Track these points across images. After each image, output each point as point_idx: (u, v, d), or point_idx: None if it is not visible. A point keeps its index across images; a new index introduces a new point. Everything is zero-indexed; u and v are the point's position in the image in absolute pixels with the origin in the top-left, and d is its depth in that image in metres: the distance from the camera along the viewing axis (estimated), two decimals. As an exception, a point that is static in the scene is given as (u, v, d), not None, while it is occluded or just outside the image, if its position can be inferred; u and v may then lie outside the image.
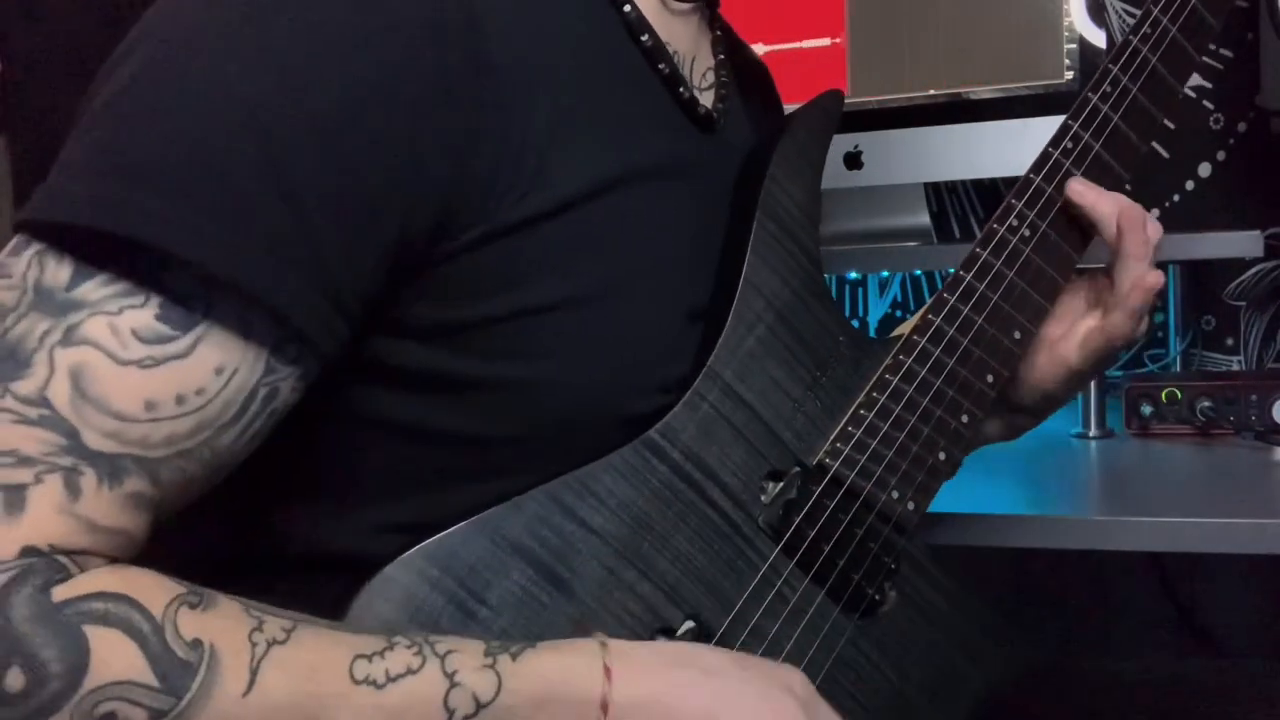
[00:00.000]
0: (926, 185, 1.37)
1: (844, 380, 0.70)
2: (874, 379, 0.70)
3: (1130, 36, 0.76)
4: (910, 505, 0.70)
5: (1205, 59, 1.42)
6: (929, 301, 0.73)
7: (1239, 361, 1.46)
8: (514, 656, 0.53)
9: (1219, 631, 1.46)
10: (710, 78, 0.74)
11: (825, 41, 1.35)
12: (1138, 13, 0.78)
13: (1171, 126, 1.42)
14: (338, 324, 0.53)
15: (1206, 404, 1.18)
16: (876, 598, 0.69)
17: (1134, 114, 0.76)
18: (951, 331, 0.72)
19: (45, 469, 0.47)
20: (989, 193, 1.52)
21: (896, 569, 0.70)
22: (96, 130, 0.51)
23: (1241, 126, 1.41)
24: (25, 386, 0.47)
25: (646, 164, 0.64)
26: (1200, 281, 1.45)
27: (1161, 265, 1.45)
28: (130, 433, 0.48)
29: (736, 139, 0.75)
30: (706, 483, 0.64)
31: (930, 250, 1.32)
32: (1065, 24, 1.26)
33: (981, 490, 1.00)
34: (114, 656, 0.45)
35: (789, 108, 0.77)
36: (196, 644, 0.47)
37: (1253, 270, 1.44)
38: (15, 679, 0.44)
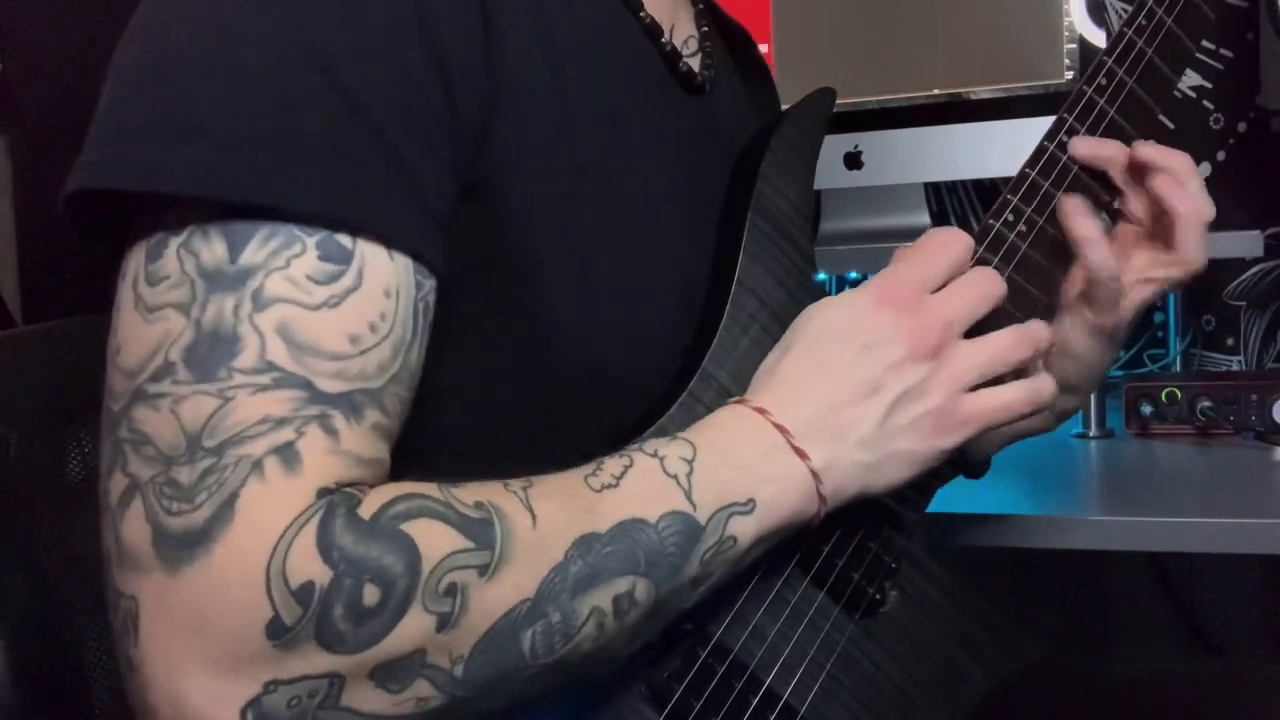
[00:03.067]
0: (926, 185, 1.37)
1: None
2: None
3: (1125, 28, 0.76)
4: (910, 505, 0.70)
5: (1205, 59, 1.42)
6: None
7: (1239, 361, 1.46)
8: (683, 430, 0.61)
9: (1219, 631, 1.46)
10: (693, 45, 0.74)
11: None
12: (1131, 9, 0.78)
13: (1171, 126, 1.42)
14: (442, 239, 0.55)
15: (1206, 404, 1.17)
16: (877, 597, 0.69)
17: (1130, 106, 0.76)
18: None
19: (300, 422, 0.49)
20: (989, 193, 1.52)
21: (897, 568, 0.70)
22: (163, 88, 0.52)
23: (1241, 126, 1.41)
24: (246, 359, 0.49)
25: (636, 117, 0.65)
26: (1200, 281, 1.45)
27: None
28: (350, 369, 0.51)
29: (725, 105, 0.76)
30: (705, 482, 0.64)
31: (930, 250, 1.32)
32: (1065, 24, 1.26)
33: (981, 490, 1.00)
34: (435, 539, 0.50)
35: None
36: (479, 505, 0.52)
37: (1253, 270, 1.44)
38: (370, 594, 0.48)
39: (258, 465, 0.48)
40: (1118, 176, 0.75)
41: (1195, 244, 0.74)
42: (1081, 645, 1.51)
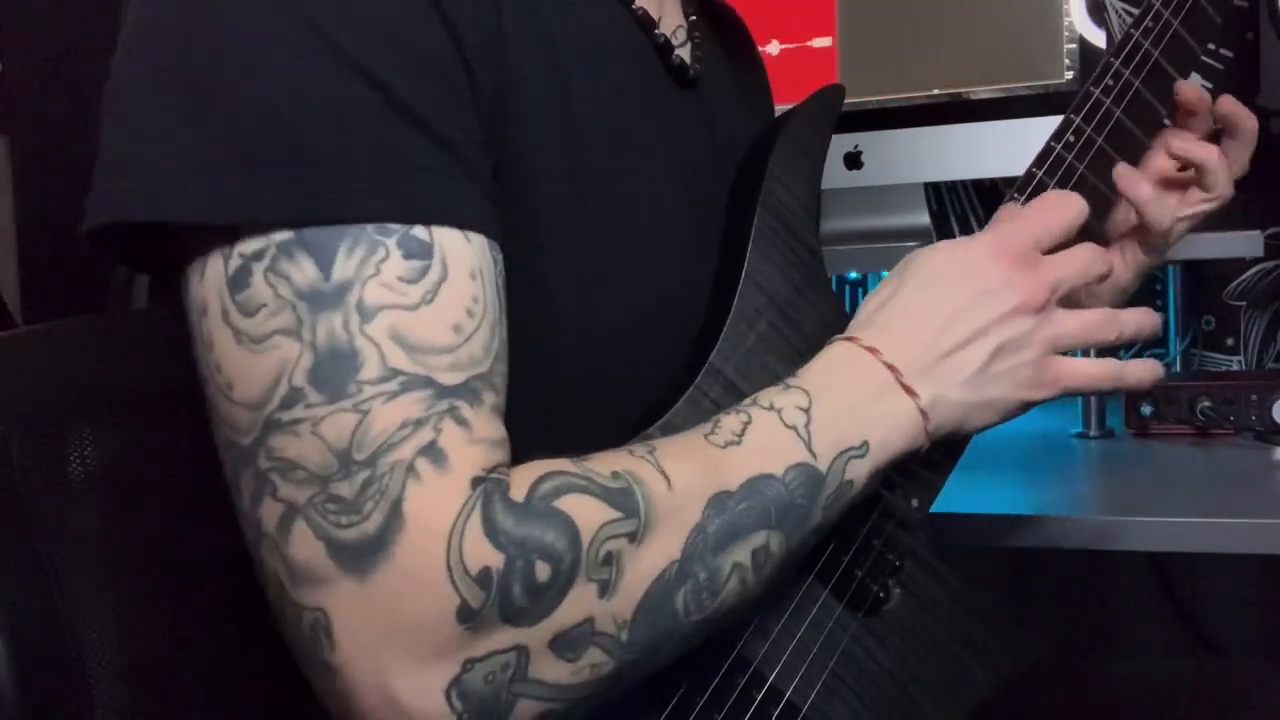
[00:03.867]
0: (926, 185, 1.37)
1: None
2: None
3: (1132, 30, 0.76)
4: (914, 502, 0.70)
5: (1205, 59, 1.42)
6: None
7: (1239, 361, 1.46)
8: (795, 375, 0.64)
9: (1219, 631, 1.46)
10: (681, 35, 0.74)
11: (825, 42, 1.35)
12: (1138, 11, 0.78)
13: (1169, 124, 1.42)
14: (496, 216, 0.56)
15: (1206, 404, 1.17)
16: (881, 595, 0.69)
17: (1136, 107, 0.76)
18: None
19: (436, 419, 0.51)
20: (989, 193, 1.52)
21: (901, 566, 0.70)
22: (200, 112, 0.51)
23: (1241, 126, 1.41)
24: (369, 371, 0.50)
25: (633, 109, 0.66)
26: (1200, 281, 1.45)
27: (1161, 265, 1.45)
28: (462, 358, 0.52)
29: (717, 97, 0.76)
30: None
31: (930, 250, 1.32)
32: (1065, 24, 1.26)
33: (981, 490, 1.00)
34: (587, 512, 0.53)
35: (781, 108, 0.77)
36: (616, 475, 0.54)
37: (1253, 270, 1.44)
38: (542, 570, 0.51)
39: (411, 468, 0.50)
40: (1186, 117, 0.83)
41: (1227, 184, 0.83)
42: (1081, 645, 1.51)
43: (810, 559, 0.67)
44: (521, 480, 0.52)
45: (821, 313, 0.70)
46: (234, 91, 0.51)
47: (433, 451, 0.50)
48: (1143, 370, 0.71)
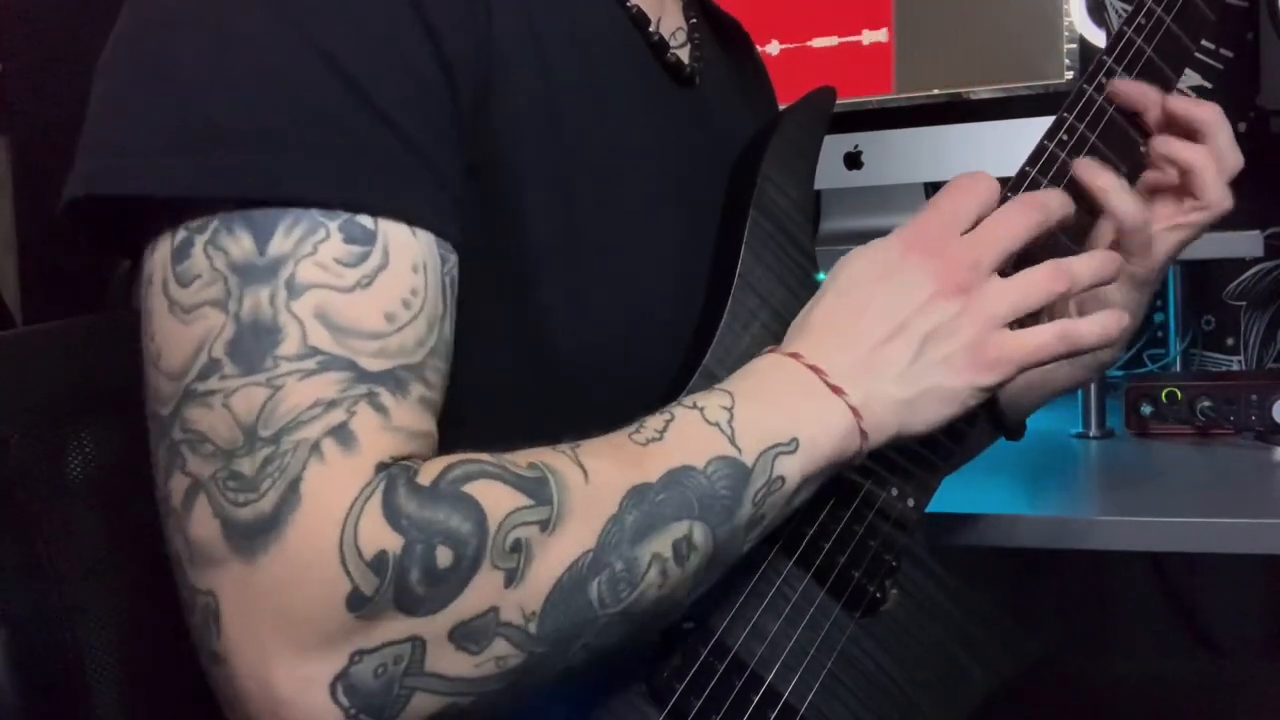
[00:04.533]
0: (926, 185, 1.37)
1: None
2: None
3: (1124, 27, 0.76)
4: (910, 502, 0.70)
5: (1205, 59, 1.42)
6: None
7: (1239, 361, 1.46)
8: (724, 383, 0.62)
9: (1218, 631, 1.46)
10: (681, 36, 0.74)
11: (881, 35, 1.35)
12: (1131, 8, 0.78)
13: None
14: (457, 216, 0.56)
15: (1206, 404, 1.17)
16: (878, 595, 0.69)
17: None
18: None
19: (351, 402, 0.50)
20: (989, 193, 1.52)
21: (898, 566, 0.70)
22: (165, 90, 0.52)
23: (1241, 126, 1.41)
24: (289, 347, 0.49)
25: (625, 108, 0.66)
26: (1200, 281, 1.45)
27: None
28: (390, 346, 0.51)
29: (715, 97, 0.76)
30: (705, 481, 0.64)
31: (930, 250, 1.32)
32: (1065, 24, 1.26)
33: (981, 490, 1.00)
34: (497, 498, 0.51)
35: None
36: (533, 465, 0.53)
37: (1253, 270, 1.44)
38: (444, 555, 0.49)
39: (316, 448, 0.49)
40: (1152, 121, 0.77)
41: (1217, 190, 0.78)
42: (1081, 645, 1.51)
43: (806, 559, 0.67)
44: (432, 467, 0.51)
45: (816, 314, 0.70)
46: (197, 70, 0.52)
47: (342, 433, 0.49)
48: (1103, 323, 0.67)
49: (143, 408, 0.53)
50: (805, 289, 0.69)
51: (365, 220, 0.52)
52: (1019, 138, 1.25)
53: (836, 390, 0.62)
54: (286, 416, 0.49)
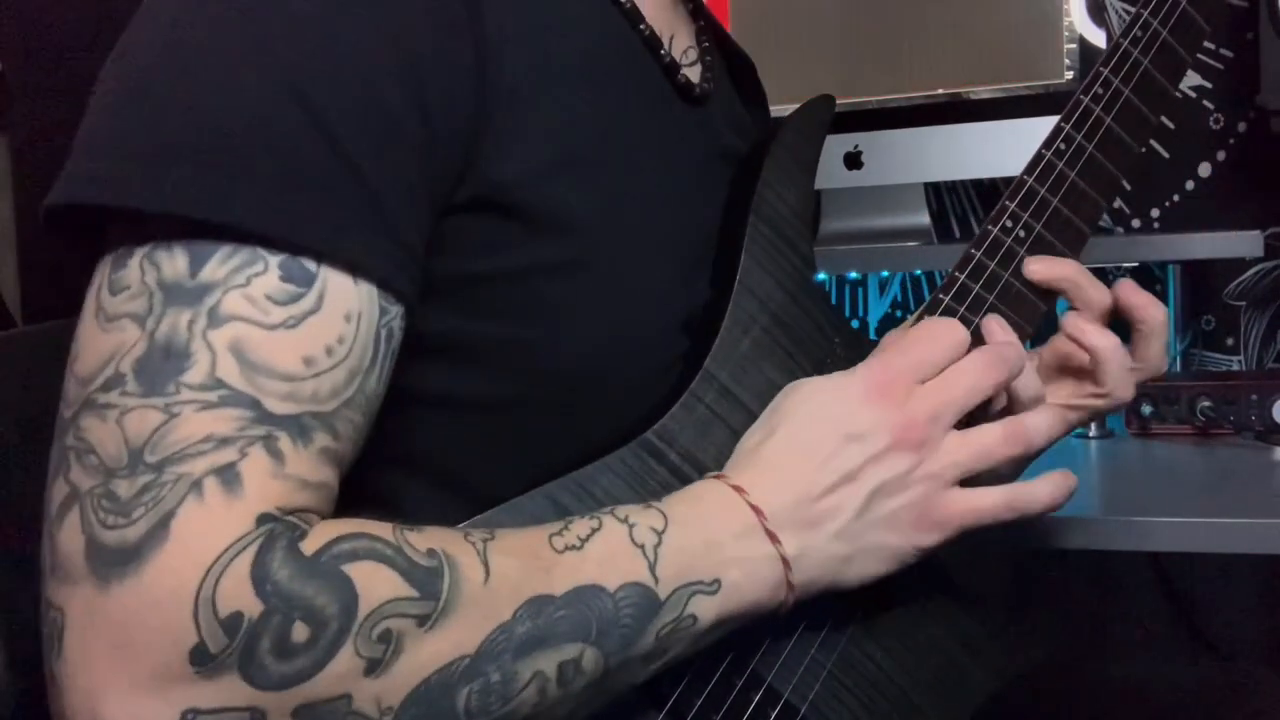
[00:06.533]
0: (926, 185, 1.37)
1: (840, 381, 0.70)
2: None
3: (1120, 39, 0.76)
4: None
5: (1205, 59, 1.42)
6: (926, 302, 0.73)
7: (1239, 361, 1.46)
8: (659, 499, 0.60)
9: (1218, 632, 1.46)
10: (693, 55, 0.74)
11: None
12: (1129, 19, 0.78)
13: (1172, 126, 1.42)
14: (411, 267, 0.55)
15: (1206, 404, 1.17)
16: (878, 596, 0.69)
17: (1126, 115, 0.76)
18: (948, 332, 0.71)
19: (245, 443, 0.49)
20: (989, 193, 1.52)
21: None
22: (137, 107, 0.52)
23: (1241, 126, 1.41)
24: (195, 375, 0.49)
25: (636, 128, 0.65)
26: (1200, 281, 1.45)
27: (1162, 265, 1.46)
28: (302, 391, 0.50)
29: (724, 115, 0.76)
30: (704, 483, 0.64)
31: (930, 250, 1.32)
32: (1065, 24, 1.26)
33: (981, 490, 1.00)
34: (375, 583, 0.49)
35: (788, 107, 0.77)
36: (432, 553, 0.51)
37: (1253, 270, 1.44)
38: (300, 631, 0.47)
39: (197, 485, 0.47)
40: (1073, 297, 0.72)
41: (1122, 384, 0.72)
42: (1081, 646, 1.51)
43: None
44: (320, 534, 0.49)
45: (815, 318, 0.70)
46: (166, 88, 0.52)
47: (228, 473, 0.48)
48: (1051, 491, 0.66)
49: None
50: (804, 293, 0.69)
51: (308, 262, 0.51)
52: (1019, 138, 1.25)
53: (773, 537, 0.60)
54: (174, 446, 0.48)
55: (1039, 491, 0.66)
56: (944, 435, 0.63)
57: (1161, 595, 1.46)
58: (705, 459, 0.64)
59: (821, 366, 0.70)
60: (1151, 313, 0.72)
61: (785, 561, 0.60)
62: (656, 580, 0.56)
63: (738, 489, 0.61)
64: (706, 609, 0.58)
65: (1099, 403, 0.73)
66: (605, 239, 0.62)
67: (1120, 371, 0.71)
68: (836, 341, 0.71)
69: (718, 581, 0.58)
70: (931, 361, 0.64)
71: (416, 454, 0.61)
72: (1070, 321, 0.72)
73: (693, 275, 0.68)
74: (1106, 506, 0.98)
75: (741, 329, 0.67)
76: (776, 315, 0.68)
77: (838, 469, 0.61)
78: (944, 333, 0.65)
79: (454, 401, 0.60)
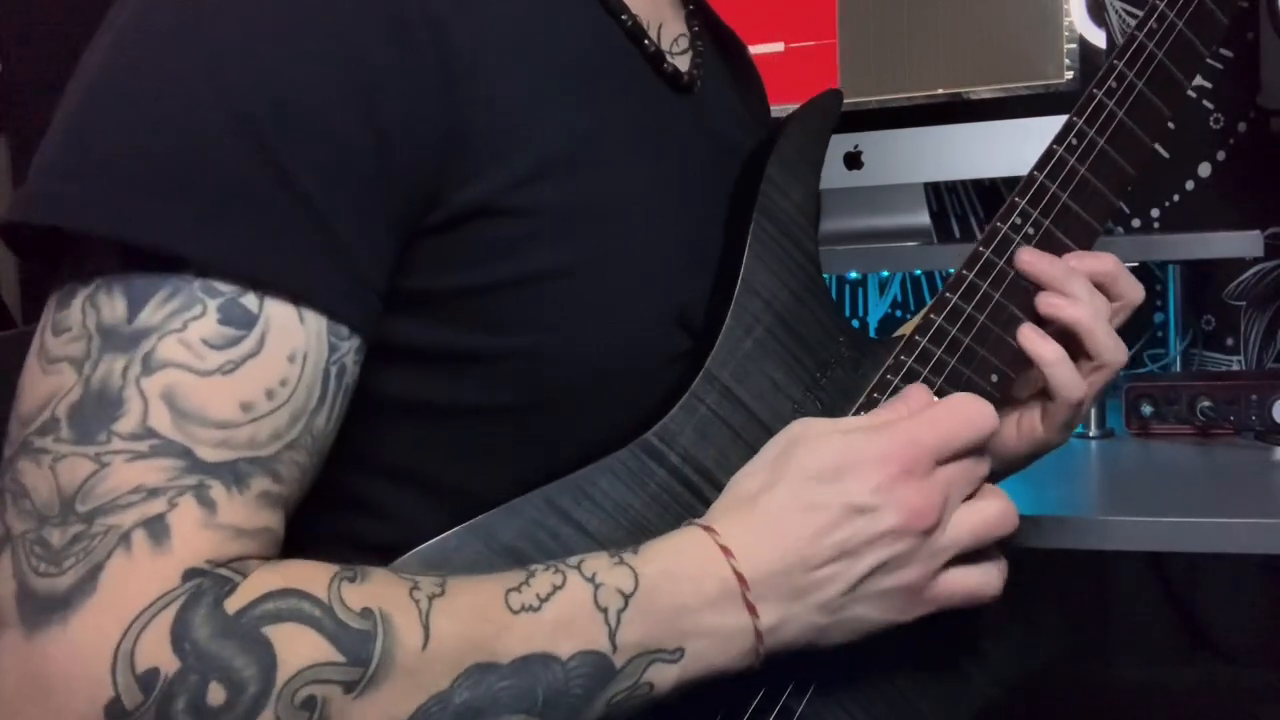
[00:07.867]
0: (926, 185, 1.37)
1: (844, 381, 0.70)
2: (875, 380, 0.70)
3: (1136, 32, 0.76)
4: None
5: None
6: (931, 301, 0.73)
7: (1239, 361, 1.45)
8: (634, 552, 0.57)
9: (1218, 632, 1.46)
10: (683, 43, 0.74)
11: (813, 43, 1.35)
12: (1138, 13, 0.78)
13: (1172, 126, 1.42)
14: (367, 297, 0.54)
15: (1206, 404, 1.17)
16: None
17: (1140, 111, 0.76)
18: (954, 331, 0.71)
19: (175, 493, 0.48)
20: (989, 193, 1.52)
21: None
22: (78, 127, 0.52)
23: (1241, 126, 1.41)
24: (126, 424, 0.48)
25: (625, 122, 0.65)
26: (1200, 281, 1.45)
27: (1161, 265, 1.45)
28: (238, 437, 0.50)
29: (717, 103, 0.75)
30: (704, 485, 0.64)
31: (930, 250, 1.32)
32: (1065, 24, 1.26)
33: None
34: (298, 647, 0.48)
35: (786, 108, 0.77)
36: (367, 613, 0.49)
37: (1253, 270, 1.44)
38: (216, 694, 0.46)
39: (125, 538, 0.47)
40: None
41: (1110, 346, 0.71)
42: (1081, 646, 1.51)
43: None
44: (247, 591, 0.48)
45: (819, 318, 0.70)
46: (110, 108, 0.51)
47: (156, 525, 0.47)
48: (1001, 570, 0.64)
49: None
50: (808, 292, 0.69)
51: (249, 301, 0.50)
52: (1019, 138, 1.25)
53: (751, 610, 0.57)
54: (104, 497, 0.47)
55: (995, 577, 0.64)
56: (950, 517, 0.62)
57: (1161, 595, 1.46)
58: (705, 460, 0.64)
59: (826, 368, 0.69)
60: (1099, 264, 0.72)
61: (759, 633, 0.58)
62: (615, 649, 0.54)
63: (725, 550, 0.58)
64: (665, 677, 0.56)
65: (1101, 375, 0.72)
66: (600, 242, 0.61)
67: (1106, 334, 0.70)
68: (842, 341, 0.71)
69: (680, 650, 0.56)
70: (958, 445, 0.62)
71: (412, 463, 0.61)
72: (1040, 301, 0.71)
73: (692, 272, 0.67)
74: (1106, 506, 0.98)
75: (744, 329, 0.66)
76: (780, 315, 0.68)
77: (837, 543, 0.59)
78: (976, 414, 0.63)
79: (453, 411, 0.60)
